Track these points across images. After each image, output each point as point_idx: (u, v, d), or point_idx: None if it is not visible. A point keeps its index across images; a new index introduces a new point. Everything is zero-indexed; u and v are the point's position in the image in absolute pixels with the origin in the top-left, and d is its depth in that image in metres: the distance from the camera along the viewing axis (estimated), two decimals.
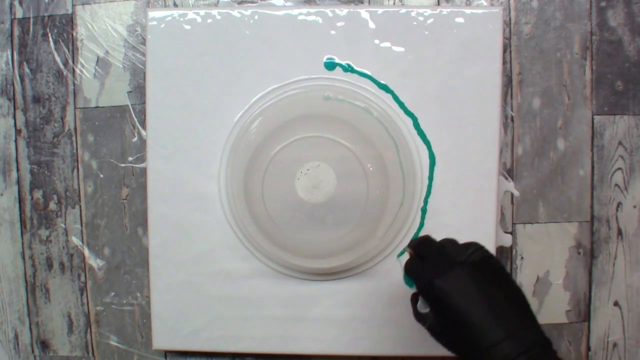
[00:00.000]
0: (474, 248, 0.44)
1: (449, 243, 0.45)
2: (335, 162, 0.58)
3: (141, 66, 0.65)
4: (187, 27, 0.60)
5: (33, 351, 0.69)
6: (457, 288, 0.40)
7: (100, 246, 0.67)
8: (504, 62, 0.62)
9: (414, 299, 0.46)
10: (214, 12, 0.60)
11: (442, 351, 0.62)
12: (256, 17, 0.60)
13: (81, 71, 0.66)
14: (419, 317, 0.46)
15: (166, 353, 0.67)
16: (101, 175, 0.66)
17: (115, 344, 0.68)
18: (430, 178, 0.60)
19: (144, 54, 0.64)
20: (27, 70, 0.66)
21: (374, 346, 0.62)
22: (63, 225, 0.67)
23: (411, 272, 0.45)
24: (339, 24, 0.60)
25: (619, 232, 0.65)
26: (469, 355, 0.40)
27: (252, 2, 0.64)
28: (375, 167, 0.58)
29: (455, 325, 0.40)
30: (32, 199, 0.67)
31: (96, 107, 0.66)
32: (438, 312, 0.42)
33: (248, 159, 0.59)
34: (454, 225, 0.60)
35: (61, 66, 0.66)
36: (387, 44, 0.60)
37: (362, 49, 0.60)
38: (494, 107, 0.59)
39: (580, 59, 0.63)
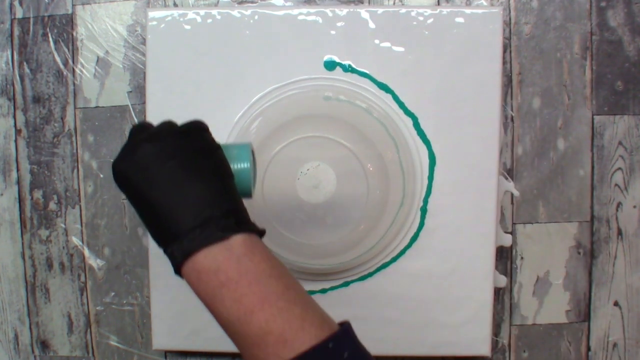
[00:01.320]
0: (184, 123, 0.39)
1: (163, 125, 0.39)
2: (335, 162, 0.58)
3: (141, 66, 0.65)
4: (187, 27, 0.60)
5: (33, 351, 0.69)
6: (132, 169, 0.36)
7: (100, 246, 0.67)
8: (504, 62, 0.62)
9: None
10: (214, 12, 0.60)
11: (442, 351, 0.62)
12: (256, 17, 0.60)
13: (81, 71, 0.66)
14: None
15: (166, 353, 0.67)
16: (101, 175, 0.66)
17: (115, 344, 0.68)
18: (430, 178, 0.60)
19: (144, 54, 0.64)
20: (27, 70, 0.66)
21: (374, 346, 0.62)
22: (63, 225, 0.67)
23: None
24: (339, 24, 0.60)
25: (619, 232, 0.65)
26: (156, 237, 0.37)
27: (252, 2, 0.64)
28: (375, 167, 0.58)
29: (135, 207, 0.37)
30: (32, 199, 0.67)
31: (96, 107, 0.66)
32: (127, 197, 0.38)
33: None
34: (454, 225, 0.60)
35: (61, 66, 0.66)
36: (387, 44, 0.60)
37: (362, 49, 0.60)
38: (494, 107, 0.59)
39: (580, 59, 0.63)
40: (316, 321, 0.35)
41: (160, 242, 0.37)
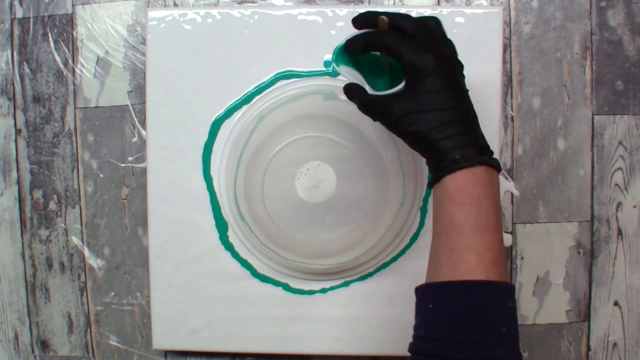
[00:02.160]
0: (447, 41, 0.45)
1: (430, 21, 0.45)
2: (335, 162, 0.58)
3: (141, 66, 0.65)
4: (187, 27, 0.60)
5: (33, 351, 0.69)
6: (446, 76, 0.43)
7: (100, 246, 0.67)
8: (504, 62, 0.62)
9: (355, 87, 0.46)
10: (214, 12, 0.60)
11: None
12: (256, 17, 0.60)
13: (81, 71, 0.66)
14: (372, 100, 0.45)
15: (166, 353, 0.67)
16: (101, 175, 0.66)
17: (115, 344, 0.68)
18: (430, 178, 0.60)
19: (144, 54, 0.64)
20: (27, 70, 0.66)
21: (374, 346, 0.62)
22: (63, 225, 0.67)
23: (392, 45, 0.43)
24: (339, 24, 0.60)
25: (619, 232, 0.65)
26: (423, 146, 0.43)
27: (252, 2, 0.64)
28: (375, 167, 0.58)
29: (425, 112, 0.42)
30: (32, 198, 0.67)
31: (96, 107, 0.66)
32: (413, 94, 0.43)
33: (248, 159, 0.59)
34: None
35: (61, 66, 0.66)
36: None
37: None
38: (494, 107, 0.59)
39: (580, 59, 0.63)
40: (504, 263, 0.42)
41: (450, 149, 0.42)
